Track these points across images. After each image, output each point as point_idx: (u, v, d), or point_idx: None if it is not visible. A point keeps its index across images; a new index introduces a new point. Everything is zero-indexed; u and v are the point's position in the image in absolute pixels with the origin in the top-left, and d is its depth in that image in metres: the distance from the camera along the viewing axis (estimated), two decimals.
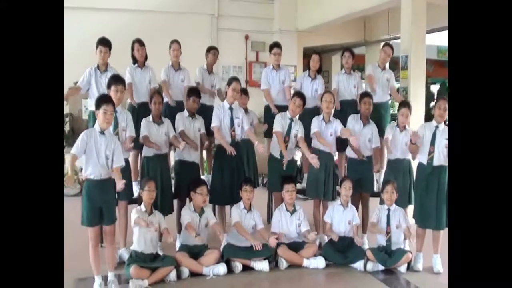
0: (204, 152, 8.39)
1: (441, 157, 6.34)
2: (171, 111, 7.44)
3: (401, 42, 8.97)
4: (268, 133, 7.87)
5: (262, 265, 6.45)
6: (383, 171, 7.80)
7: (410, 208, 6.95)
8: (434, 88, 21.14)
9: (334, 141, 7.29)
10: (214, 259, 6.33)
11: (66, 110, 10.75)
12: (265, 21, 13.21)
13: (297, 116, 7.44)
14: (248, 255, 6.49)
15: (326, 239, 7.08)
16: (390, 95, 8.36)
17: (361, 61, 10.64)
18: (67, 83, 6.49)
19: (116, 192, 5.75)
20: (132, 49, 7.55)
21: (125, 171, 6.35)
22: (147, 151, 6.82)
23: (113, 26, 10.80)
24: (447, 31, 11.53)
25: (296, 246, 6.71)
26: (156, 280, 5.91)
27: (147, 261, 6.00)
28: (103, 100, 5.50)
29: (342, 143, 7.54)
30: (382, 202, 6.81)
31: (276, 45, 8.36)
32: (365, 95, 7.44)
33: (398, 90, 9.00)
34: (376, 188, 7.64)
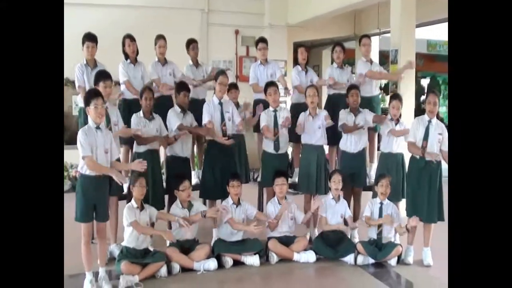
0: (195, 147, 8.39)
1: (434, 152, 6.35)
2: (164, 107, 7.41)
3: (391, 36, 8.97)
4: (258, 128, 7.86)
5: (252, 260, 6.46)
6: (374, 165, 7.82)
7: (403, 203, 6.96)
8: (424, 82, 21.19)
9: (322, 134, 7.29)
10: (204, 254, 6.33)
11: None
12: (255, 16, 13.17)
13: (285, 106, 7.48)
14: (239, 249, 6.50)
15: (316, 233, 7.09)
16: (381, 88, 8.37)
17: (351, 55, 10.65)
18: None
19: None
20: (123, 45, 7.51)
21: None
22: (138, 147, 6.81)
23: (104, 22, 10.75)
24: (437, 25, 11.67)
25: (286, 240, 6.72)
26: (147, 275, 5.91)
27: (138, 257, 5.99)
28: (93, 95, 5.47)
29: (333, 137, 7.55)
30: (374, 195, 6.82)
31: (261, 40, 8.37)
32: (352, 87, 7.50)
33: (388, 84, 9.02)
34: (367, 182, 7.65)
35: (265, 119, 7.32)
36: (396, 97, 7.25)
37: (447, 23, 10.83)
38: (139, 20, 11.47)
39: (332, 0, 11.05)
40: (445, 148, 6.33)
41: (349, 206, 7.19)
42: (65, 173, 10.00)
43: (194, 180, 7.79)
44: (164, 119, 7.05)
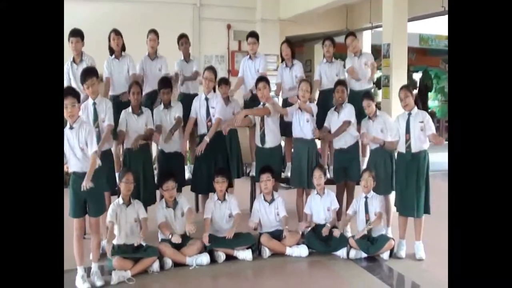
0: (188, 142, 8.39)
1: (417, 143, 6.38)
2: (152, 101, 7.41)
3: (383, 30, 8.96)
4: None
5: (245, 254, 6.46)
6: (366, 159, 7.83)
7: (393, 196, 6.97)
8: (417, 76, 21.25)
9: (310, 127, 7.27)
10: (197, 249, 6.33)
11: None
12: (247, 10, 13.13)
13: (277, 100, 7.50)
14: (231, 244, 6.50)
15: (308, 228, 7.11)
16: (374, 83, 8.36)
17: (343, 50, 10.62)
18: None
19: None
20: (109, 40, 7.50)
21: (108, 162, 6.37)
22: (128, 143, 6.79)
23: (94, 16, 10.75)
24: (429, 19, 11.67)
25: (279, 235, 6.72)
26: (139, 271, 5.91)
27: (130, 252, 5.98)
28: (64, 94, 5.34)
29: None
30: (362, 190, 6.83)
31: (251, 34, 8.35)
32: (338, 83, 7.51)
33: (380, 78, 9.01)
34: None
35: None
36: (364, 96, 7.21)
37: (439, 17, 10.94)
38: (130, 14, 11.44)
39: None
40: (430, 131, 6.37)
41: (341, 200, 7.20)
42: None
43: (188, 174, 7.79)
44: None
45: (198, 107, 7.24)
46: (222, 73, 10.70)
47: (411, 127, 6.40)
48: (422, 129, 6.36)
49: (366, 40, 13.59)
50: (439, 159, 6.31)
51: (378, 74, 12.39)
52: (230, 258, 6.45)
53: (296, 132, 7.34)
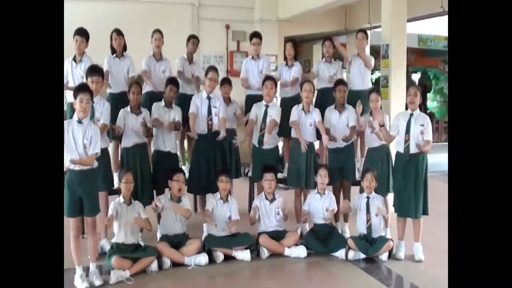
0: (186, 142, 8.39)
1: (416, 144, 6.36)
2: (152, 101, 7.39)
3: (381, 31, 8.96)
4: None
5: (243, 255, 6.45)
6: (363, 159, 7.83)
7: (391, 196, 6.96)
8: (415, 77, 21.28)
9: (313, 131, 7.30)
10: (195, 249, 6.32)
11: None
12: (245, 10, 13.13)
13: (276, 101, 7.47)
14: (230, 244, 6.49)
15: (307, 228, 7.09)
16: (372, 83, 8.36)
17: None
18: None
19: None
20: (111, 39, 7.50)
21: (106, 162, 6.36)
22: (126, 142, 6.80)
23: (92, 16, 10.69)
24: (428, 20, 11.68)
25: (277, 235, 6.71)
26: (137, 270, 5.90)
27: (129, 252, 5.98)
28: (80, 89, 5.46)
29: None
30: (362, 190, 6.82)
31: (255, 35, 8.36)
32: (339, 82, 7.50)
33: (379, 78, 9.02)
34: (357, 176, 7.66)
35: (254, 112, 7.36)
36: (374, 90, 7.28)
37: (438, 18, 10.95)
38: (128, 14, 11.42)
39: None
40: (427, 137, 6.36)
41: (338, 200, 7.19)
42: None
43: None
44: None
45: (199, 105, 7.19)
46: (220, 73, 10.70)
47: (411, 128, 6.39)
48: (422, 132, 6.35)
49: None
50: (438, 160, 6.30)
51: (377, 74, 12.40)
52: (228, 258, 6.44)
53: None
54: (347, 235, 7.01)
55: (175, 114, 7.19)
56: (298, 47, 8.40)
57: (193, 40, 8.31)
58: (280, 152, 8.42)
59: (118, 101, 7.15)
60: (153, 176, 7.09)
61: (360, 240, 6.51)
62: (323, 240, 6.69)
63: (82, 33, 7.04)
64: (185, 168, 7.97)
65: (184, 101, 7.52)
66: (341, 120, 7.32)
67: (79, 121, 5.43)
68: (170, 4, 12.32)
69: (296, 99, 7.68)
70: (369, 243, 6.48)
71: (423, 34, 17.83)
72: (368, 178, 6.62)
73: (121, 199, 6.11)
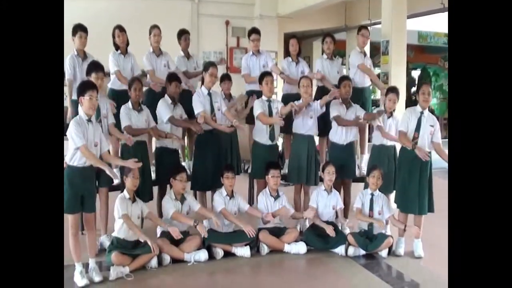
0: (186, 139, 8.38)
1: (425, 144, 6.35)
2: (154, 98, 7.38)
3: (382, 27, 8.97)
4: (251, 119, 7.83)
5: (243, 251, 6.45)
6: (365, 156, 7.82)
7: (393, 195, 6.97)
8: (415, 74, 21.25)
9: (313, 125, 7.29)
10: (195, 246, 6.32)
11: None
12: (245, 6, 13.13)
13: (276, 97, 7.50)
14: (229, 240, 6.50)
15: (307, 224, 7.09)
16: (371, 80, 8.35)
17: (341, 46, 10.63)
18: None
19: (96, 179, 5.74)
20: (113, 36, 7.48)
21: None
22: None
23: (91, 12, 10.66)
24: (428, 16, 11.67)
25: (277, 231, 6.72)
26: (137, 266, 5.90)
27: (129, 248, 5.97)
28: (89, 86, 5.44)
29: (323, 128, 7.54)
30: (366, 186, 6.81)
31: (253, 31, 8.36)
32: (344, 78, 7.49)
33: (379, 75, 9.01)
34: (358, 173, 7.65)
35: (260, 106, 7.28)
36: (393, 90, 7.19)
37: (438, 14, 10.94)
38: (128, 10, 11.38)
39: None
40: (437, 140, 6.35)
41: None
42: None
43: None
44: (153, 112, 7.03)
45: (203, 102, 7.16)
46: (220, 69, 10.68)
47: (421, 127, 6.37)
48: (431, 133, 6.35)
49: None
50: (439, 157, 6.28)
51: (377, 71, 12.38)
52: (228, 254, 6.45)
53: (297, 128, 7.32)
54: (347, 231, 7.00)
55: (181, 110, 7.20)
56: (301, 43, 8.38)
57: (185, 36, 8.23)
58: (280, 148, 8.42)
59: (119, 98, 7.11)
60: (156, 173, 7.09)
61: (360, 236, 6.51)
62: (323, 236, 6.69)
63: (85, 29, 7.08)
64: (185, 164, 7.97)
65: (187, 97, 7.46)
66: (348, 115, 7.31)
67: (89, 120, 5.44)
68: (169, 0, 12.29)
69: (299, 97, 7.66)
70: (369, 239, 6.48)
71: (423, 31, 17.83)
72: (375, 175, 6.61)
73: (126, 195, 6.06)
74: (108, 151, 5.96)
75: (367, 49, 8.87)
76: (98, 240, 6.37)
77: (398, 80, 8.52)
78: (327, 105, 7.36)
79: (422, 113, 6.42)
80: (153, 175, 7.19)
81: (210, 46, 12.70)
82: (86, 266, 5.65)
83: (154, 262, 6.01)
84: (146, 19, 8.61)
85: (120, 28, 7.49)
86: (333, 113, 7.30)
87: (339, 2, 12.41)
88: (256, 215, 6.78)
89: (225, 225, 6.64)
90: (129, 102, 6.76)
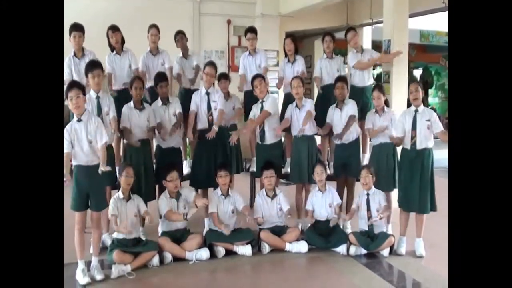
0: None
1: (423, 140, 6.35)
2: (152, 96, 7.40)
3: (383, 26, 8.94)
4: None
5: (244, 250, 6.47)
6: (367, 155, 7.82)
7: (395, 193, 6.96)
8: (417, 73, 21.23)
9: (311, 125, 7.28)
10: (196, 244, 6.34)
11: None
12: (247, 5, 13.11)
13: (271, 95, 7.52)
14: (231, 239, 6.50)
15: (308, 223, 7.10)
16: (374, 79, 8.35)
17: (343, 45, 10.60)
18: None
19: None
20: (108, 37, 7.48)
21: (109, 157, 6.36)
22: (130, 138, 6.79)
23: (92, 11, 10.68)
24: (430, 15, 11.65)
25: (278, 230, 6.73)
26: (139, 265, 5.93)
27: (130, 246, 5.99)
28: (68, 87, 5.42)
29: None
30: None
31: (250, 30, 8.35)
32: (338, 79, 7.46)
33: (380, 74, 9.01)
34: None
35: (253, 113, 7.40)
36: (375, 87, 7.24)
37: (440, 13, 10.92)
38: (130, 9, 11.39)
39: None
40: (438, 129, 6.35)
41: (342, 195, 7.19)
42: None
43: (186, 169, 7.80)
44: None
45: (199, 102, 7.22)
46: (222, 68, 10.66)
47: (417, 124, 6.37)
48: (428, 127, 6.34)
49: (366, 36, 13.55)
50: (439, 156, 6.29)
51: (378, 70, 12.36)
52: (229, 253, 6.46)
53: (295, 129, 7.32)
54: (348, 230, 7.01)
55: (174, 107, 7.16)
56: (297, 42, 8.35)
57: (180, 35, 8.20)
58: (282, 147, 8.43)
59: (121, 97, 7.12)
60: (155, 172, 7.09)
61: (361, 235, 6.52)
62: (324, 235, 6.70)
63: (78, 28, 7.03)
64: (187, 162, 7.97)
65: (188, 95, 7.51)
66: (342, 117, 7.28)
67: (79, 120, 5.45)
68: None
69: None
70: (371, 238, 6.49)
71: (425, 30, 17.76)
72: (363, 175, 6.62)
73: (120, 194, 6.11)
74: (109, 146, 6.02)
75: (368, 47, 8.88)
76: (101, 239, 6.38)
77: (400, 79, 8.49)
78: (320, 102, 7.57)
79: (416, 111, 6.43)
80: None
81: (212, 45, 12.69)
82: (88, 264, 5.68)
83: (155, 260, 6.05)
84: (148, 19, 8.59)
85: (112, 29, 7.44)
86: (328, 119, 7.40)
87: (341, 1, 12.37)
88: (246, 214, 6.72)
89: (224, 224, 6.63)
90: (131, 101, 6.77)
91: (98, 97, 6.30)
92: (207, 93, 7.21)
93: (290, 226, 6.86)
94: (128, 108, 6.74)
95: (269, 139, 7.38)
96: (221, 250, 6.41)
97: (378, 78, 11.69)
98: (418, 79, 20.60)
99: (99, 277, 5.61)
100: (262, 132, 7.36)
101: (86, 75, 6.25)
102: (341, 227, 7.02)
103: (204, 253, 6.29)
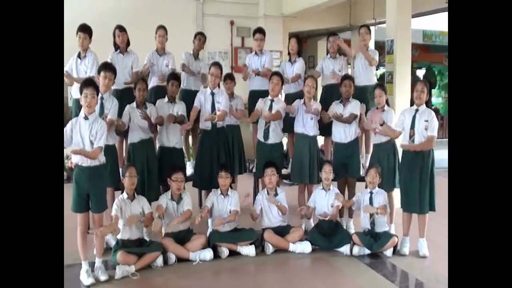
0: (190, 138, 8.41)
1: (421, 140, 6.35)
2: (157, 96, 7.42)
3: (386, 27, 8.95)
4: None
5: (248, 250, 6.47)
6: (369, 155, 7.82)
7: (396, 192, 6.96)
8: (420, 73, 21.22)
9: (314, 125, 7.31)
10: (200, 245, 6.34)
11: None
12: (250, 6, 13.10)
13: (281, 97, 7.51)
14: (234, 240, 6.51)
15: (312, 223, 7.10)
16: (378, 79, 8.35)
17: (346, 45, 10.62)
18: None
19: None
20: (114, 36, 7.53)
21: (113, 158, 6.38)
22: (132, 138, 6.82)
23: (95, 11, 10.65)
24: (433, 15, 11.65)
25: (282, 231, 6.73)
26: (143, 265, 5.93)
27: (134, 247, 6.00)
28: (84, 84, 5.47)
29: (328, 128, 7.53)
30: (367, 186, 6.82)
31: (258, 30, 8.38)
32: (345, 77, 7.50)
33: (383, 74, 9.00)
34: (362, 172, 7.65)
35: (259, 105, 7.39)
36: (378, 85, 7.30)
37: (443, 13, 10.92)
38: (133, 9, 11.38)
39: None
40: (432, 133, 6.33)
41: (343, 196, 7.19)
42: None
43: (189, 170, 7.81)
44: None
45: (203, 101, 7.24)
46: (225, 69, 10.67)
47: (416, 123, 6.38)
48: (426, 128, 6.34)
49: None
50: (443, 156, 6.29)
51: (381, 70, 12.35)
52: (233, 253, 6.47)
53: (299, 128, 7.35)
54: (352, 230, 7.02)
55: (179, 108, 7.21)
56: (302, 43, 8.38)
57: (199, 37, 8.31)
58: (285, 148, 8.43)
59: (122, 97, 7.14)
60: (158, 172, 7.10)
61: (364, 235, 6.52)
62: (327, 235, 6.70)
63: (85, 29, 7.06)
64: (190, 164, 7.99)
65: (189, 96, 7.54)
66: (345, 113, 7.28)
67: (86, 117, 5.45)
68: (174, 0, 12.28)
69: (300, 95, 7.65)
70: (374, 238, 6.49)
71: (428, 30, 17.77)
72: (371, 173, 6.64)
73: (124, 195, 6.13)
74: (112, 147, 6.03)
75: (371, 45, 8.91)
76: (104, 239, 6.38)
77: (403, 79, 8.51)
78: (322, 101, 7.54)
79: (417, 110, 6.44)
80: None
81: (215, 46, 12.66)
82: (92, 265, 5.68)
83: (159, 261, 6.05)
84: (151, 19, 8.65)
85: (120, 28, 7.54)
86: (330, 113, 7.35)
87: (344, 1, 12.37)
88: (232, 218, 6.63)
89: (227, 225, 6.65)
90: (134, 102, 6.80)
91: (102, 98, 6.32)
92: (212, 93, 7.23)
93: (294, 226, 6.86)
94: (131, 107, 6.79)
95: (272, 139, 7.39)
96: (224, 251, 6.41)
97: (381, 78, 11.70)
98: (421, 79, 20.59)
99: (103, 277, 5.61)
100: (267, 130, 7.37)
101: (99, 73, 6.29)
102: (345, 227, 7.03)
103: (208, 254, 6.30)
